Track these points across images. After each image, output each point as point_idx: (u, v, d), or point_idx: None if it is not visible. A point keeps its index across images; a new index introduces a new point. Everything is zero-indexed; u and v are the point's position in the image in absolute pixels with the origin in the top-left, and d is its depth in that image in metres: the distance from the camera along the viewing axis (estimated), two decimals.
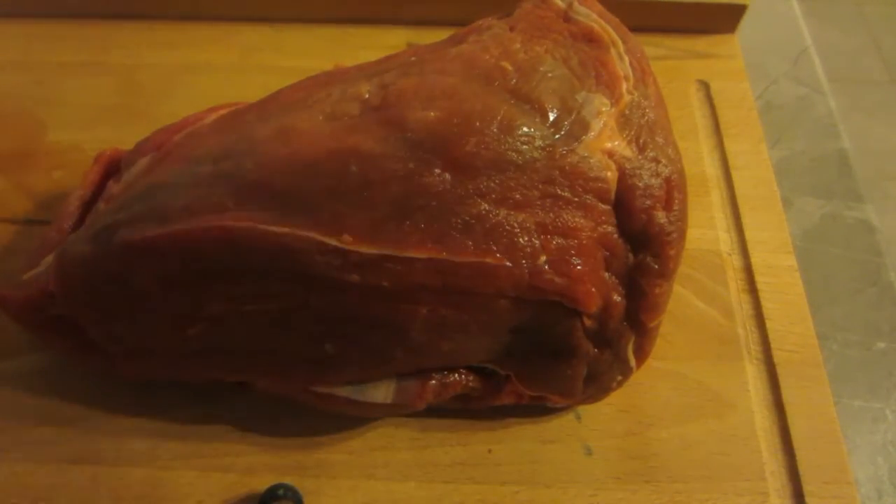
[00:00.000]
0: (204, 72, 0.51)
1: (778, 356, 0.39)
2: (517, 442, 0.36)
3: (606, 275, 0.31)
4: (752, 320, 0.40)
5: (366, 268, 0.29)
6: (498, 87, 0.31)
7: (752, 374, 0.38)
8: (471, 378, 0.34)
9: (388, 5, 0.53)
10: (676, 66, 0.52)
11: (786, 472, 0.36)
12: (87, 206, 0.37)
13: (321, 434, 0.36)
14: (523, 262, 0.29)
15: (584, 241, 0.30)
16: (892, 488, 0.37)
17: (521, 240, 0.29)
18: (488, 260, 0.29)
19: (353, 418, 0.36)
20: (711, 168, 0.46)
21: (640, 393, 0.37)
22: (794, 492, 0.35)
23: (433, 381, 0.33)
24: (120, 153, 0.39)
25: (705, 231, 0.43)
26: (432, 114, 0.29)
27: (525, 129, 0.30)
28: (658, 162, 0.32)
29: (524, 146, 0.30)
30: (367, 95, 0.31)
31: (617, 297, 0.32)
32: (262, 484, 0.34)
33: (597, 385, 0.34)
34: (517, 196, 0.30)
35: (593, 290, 0.30)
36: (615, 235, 0.31)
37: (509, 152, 0.30)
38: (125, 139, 0.40)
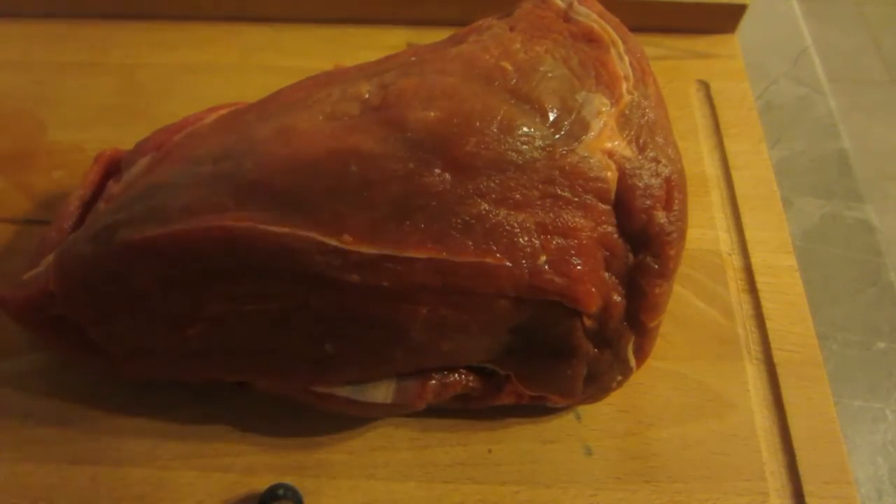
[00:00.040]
0: (204, 72, 0.51)
1: (778, 356, 0.39)
2: (517, 442, 0.36)
3: (606, 275, 0.31)
4: (752, 320, 0.40)
5: (366, 268, 0.29)
6: (498, 87, 0.31)
7: (752, 374, 0.38)
8: (471, 378, 0.34)
9: (388, 5, 0.53)
10: (676, 66, 0.52)
11: (786, 472, 0.36)
12: (87, 206, 0.37)
13: (321, 434, 0.36)
14: (523, 262, 0.29)
15: (584, 241, 0.30)
16: (892, 488, 0.37)
17: (521, 240, 0.29)
18: (488, 260, 0.29)
19: (353, 418, 0.36)
20: (711, 168, 0.46)
21: (640, 393, 0.37)
22: (794, 492, 0.35)
23: (433, 381, 0.33)
24: (120, 153, 0.39)
25: (705, 231, 0.43)
26: (432, 114, 0.29)
27: (525, 129, 0.30)
28: (658, 162, 0.32)
29: (524, 146, 0.30)
30: (367, 95, 0.31)
31: (617, 297, 0.32)
32: (262, 484, 0.34)
33: (597, 385, 0.34)
34: (517, 196, 0.30)
35: (593, 290, 0.30)
36: (615, 235, 0.31)
37: (509, 152, 0.30)
38: (125, 139, 0.40)
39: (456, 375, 0.34)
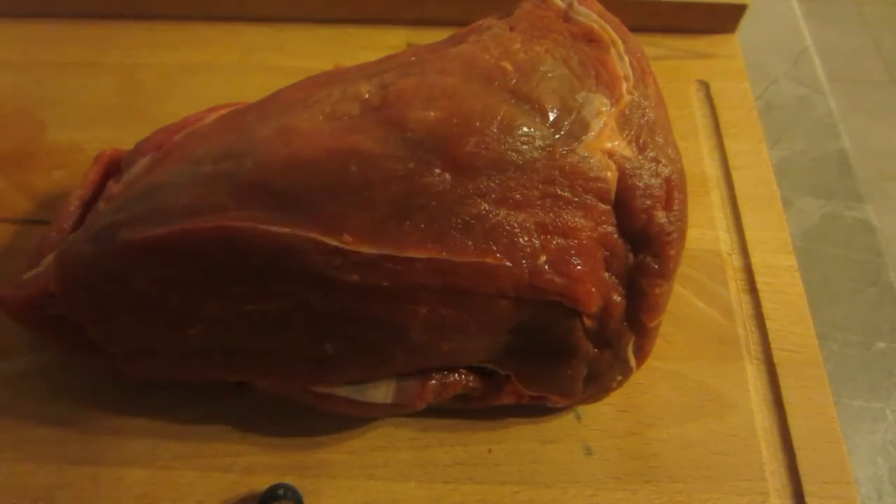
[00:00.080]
0: (204, 72, 0.51)
1: (778, 356, 0.39)
2: (517, 442, 0.36)
3: (606, 275, 0.31)
4: (752, 320, 0.40)
5: (366, 268, 0.29)
6: (498, 87, 0.31)
7: (752, 374, 0.38)
8: (471, 378, 0.34)
9: (388, 5, 0.53)
10: (676, 66, 0.52)
11: (786, 472, 0.36)
12: (87, 206, 0.37)
13: (321, 434, 0.36)
14: (523, 262, 0.29)
15: (584, 241, 0.30)
16: (892, 488, 0.37)
17: (521, 240, 0.29)
18: (488, 260, 0.29)
19: (353, 418, 0.36)
20: (711, 168, 0.46)
21: (640, 393, 0.37)
22: (794, 492, 0.35)
23: (433, 381, 0.33)
24: (120, 153, 0.39)
25: (705, 231, 0.43)
26: (432, 114, 0.29)
27: (525, 129, 0.30)
28: (658, 162, 0.32)
29: (524, 146, 0.30)
30: (367, 95, 0.31)
31: (617, 297, 0.32)
32: (262, 484, 0.34)
33: (597, 385, 0.34)
34: (517, 196, 0.30)
35: (593, 290, 0.30)
36: (615, 235, 0.31)
37: (509, 152, 0.30)
38: (125, 139, 0.40)
39: (456, 375, 0.34)
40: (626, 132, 0.32)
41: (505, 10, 0.36)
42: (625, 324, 0.32)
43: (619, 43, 0.34)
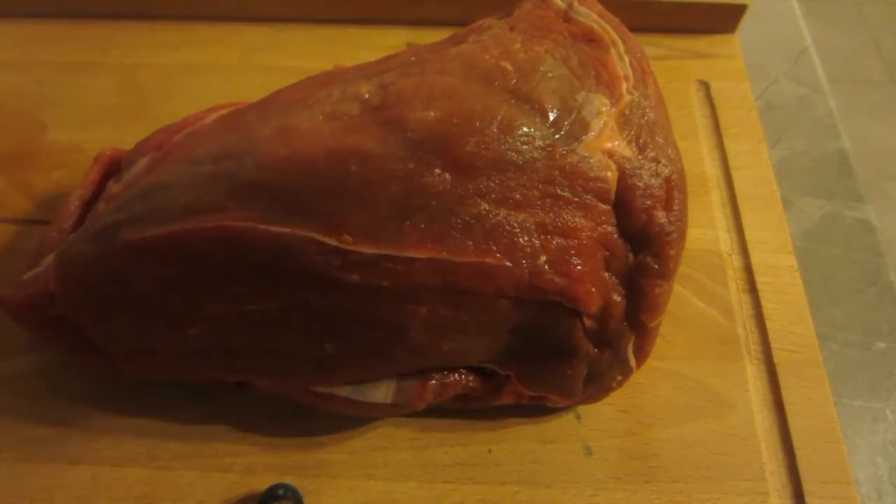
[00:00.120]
0: (204, 72, 0.51)
1: (778, 356, 0.39)
2: (517, 442, 0.36)
3: (606, 275, 0.31)
4: (752, 320, 0.40)
5: (366, 268, 0.29)
6: (498, 87, 0.31)
7: (752, 374, 0.38)
8: (471, 378, 0.34)
9: (388, 5, 0.53)
10: (676, 66, 0.52)
11: (786, 472, 0.36)
12: (87, 206, 0.37)
13: (321, 434, 0.36)
14: (523, 262, 0.29)
15: (584, 241, 0.30)
16: (892, 488, 0.37)
17: (521, 240, 0.29)
18: (488, 260, 0.29)
19: (353, 418, 0.36)
20: (711, 168, 0.46)
21: (640, 393, 0.37)
22: (794, 492, 0.35)
23: (433, 381, 0.33)
24: (120, 153, 0.39)
25: (705, 231, 0.43)
26: (432, 114, 0.29)
27: (525, 129, 0.30)
28: (658, 162, 0.32)
29: (524, 146, 0.30)
30: (367, 95, 0.31)
31: (617, 297, 0.32)
32: (262, 484, 0.34)
33: (597, 385, 0.34)
34: (517, 196, 0.30)
35: (593, 290, 0.30)
36: (615, 235, 0.31)
37: (509, 152, 0.30)
38: (125, 139, 0.40)
39: (456, 375, 0.34)
40: (626, 132, 0.32)
41: (505, 10, 0.36)
42: (625, 324, 0.32)
43: (619, 43, 0.34)
